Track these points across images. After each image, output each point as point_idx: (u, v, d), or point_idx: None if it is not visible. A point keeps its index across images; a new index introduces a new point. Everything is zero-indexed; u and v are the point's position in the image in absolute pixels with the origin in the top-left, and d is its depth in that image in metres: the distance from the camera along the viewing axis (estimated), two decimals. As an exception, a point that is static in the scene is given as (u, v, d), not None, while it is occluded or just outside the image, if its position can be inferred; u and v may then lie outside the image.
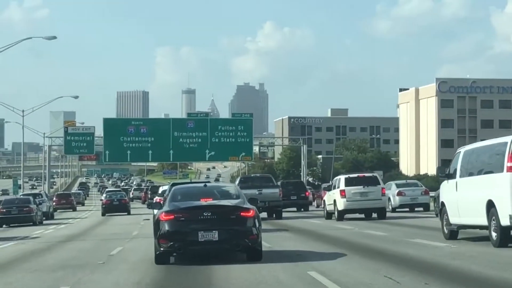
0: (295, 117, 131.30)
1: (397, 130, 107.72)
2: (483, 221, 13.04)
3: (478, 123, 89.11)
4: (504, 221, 12.14)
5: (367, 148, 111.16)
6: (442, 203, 15.30)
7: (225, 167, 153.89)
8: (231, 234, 11.29)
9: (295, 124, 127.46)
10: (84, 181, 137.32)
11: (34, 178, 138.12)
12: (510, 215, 12.00)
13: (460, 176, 14.28)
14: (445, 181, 15.31)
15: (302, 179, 61.91)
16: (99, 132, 58.77)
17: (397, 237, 16.44)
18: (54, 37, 38.79)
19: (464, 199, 13.98)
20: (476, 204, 13.25)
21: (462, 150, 14.85)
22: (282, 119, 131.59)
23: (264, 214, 26.41)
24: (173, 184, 18.42)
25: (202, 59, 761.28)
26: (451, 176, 14.86)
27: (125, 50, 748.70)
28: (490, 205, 12.68)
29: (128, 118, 62.24)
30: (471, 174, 13.96)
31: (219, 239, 11.19)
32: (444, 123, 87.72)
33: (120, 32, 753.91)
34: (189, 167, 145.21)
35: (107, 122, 57.97)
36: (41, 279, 10.87)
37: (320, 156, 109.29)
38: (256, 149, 74.29)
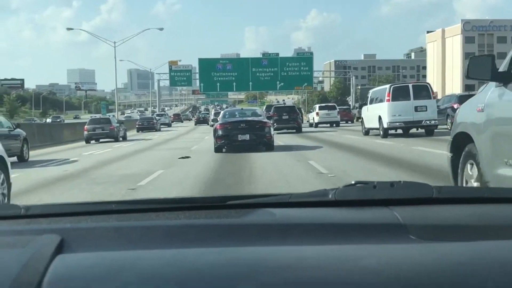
0: (339, 60, 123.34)
1: (413, 68, 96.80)
2: (377, 125, 17.25)
3: (495, 55, 77.37)
4: (385, 125, 16.57)
5: (392, 81, 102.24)
6: (362, 118, 19.75)
7: (288, 98, 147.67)
8: (256, 136, 13.08)
9: (338, 65, 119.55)
10: (197, 106, 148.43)
11: (144, 107, 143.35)
12: (387, 122, 16.47)
13: (370, 104, 18.40)
14: (365, 107, 19.30)
15: (351, 103, 55.57)
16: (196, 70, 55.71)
17: (343, 135, 19.87)
18: None
19: (370, 115, 18.17)
20: (375, 117, 17.43)
21: (371, 91, 19.38)
22: (330, 62, 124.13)
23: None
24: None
25: (274, 35, 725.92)
26: (366, 104, 19.08)
27: (223, 27, 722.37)
28: (380, 118, 16.94)
29: (217, 58, 56.77)
30: (374, 102, 17.94)
31: (250, 139, 13.00)
32: (467, 56, 76.39)
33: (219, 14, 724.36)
34: (264, 98, 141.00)
35: (202, 61, 54.22)
36: (146, 165, 10.59)
37: (359, 87, 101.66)
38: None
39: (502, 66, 3.83)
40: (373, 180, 1.14)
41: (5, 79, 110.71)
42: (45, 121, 59.89)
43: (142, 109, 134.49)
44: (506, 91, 3.66)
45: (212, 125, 33.85)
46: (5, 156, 6.27)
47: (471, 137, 3.96)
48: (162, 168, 9.60)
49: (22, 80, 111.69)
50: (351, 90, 62.87)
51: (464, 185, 4.13)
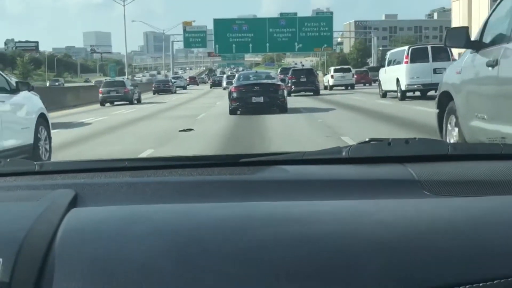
0: (359, 21, 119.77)
1: (435, 29, 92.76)
2: (395, 88, 17.57)
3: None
4: (403, 88, 16.87)
5: (414, 43, 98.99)
6: (379, 80, 19.99)
7: (306, 61, 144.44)
8: (270, 98, 13.65)
9: (358, 25, 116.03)
10: (213, 68, 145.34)
11: (157, 70, 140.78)
12: (405, 85, 16.69)
13: (387, 66, 18.81)
14: (382, 69, 19.91)
15: (372, 64, 54.04)
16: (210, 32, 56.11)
17: (368, 99, 19.12)
18: None
19: (388, 77, 18.45)
20: (392, 79, 17.71)
21: (389, 52, 19.75)
22: (349, 22, 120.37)
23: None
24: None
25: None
26: (384, 66, 19.55)
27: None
28: (398, 80, 17.16)
29: (232, 18, 55.28)
30: (392, 64, 18.21)
31: (264, 101, 13.57)
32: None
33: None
34: (282, 61, 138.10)
35: (217, 22, 53.15)
36: (136, 140, 9.16)
37: (380, 48, 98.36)
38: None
39: (475, 36, 4.46)
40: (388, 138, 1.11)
41: (19, 41, 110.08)
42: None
43: (154, 72, 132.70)
44: (478, 56, 4.36)
45: (224, 88, 34.06)
46: (46, 112, 6.70)
47: (452, 95, 4.71)
48: (154, 146, 7.83)
49: (37, 42, 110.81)
50: (373, 51, 60.46)
51: (446, 136, 4.86)
